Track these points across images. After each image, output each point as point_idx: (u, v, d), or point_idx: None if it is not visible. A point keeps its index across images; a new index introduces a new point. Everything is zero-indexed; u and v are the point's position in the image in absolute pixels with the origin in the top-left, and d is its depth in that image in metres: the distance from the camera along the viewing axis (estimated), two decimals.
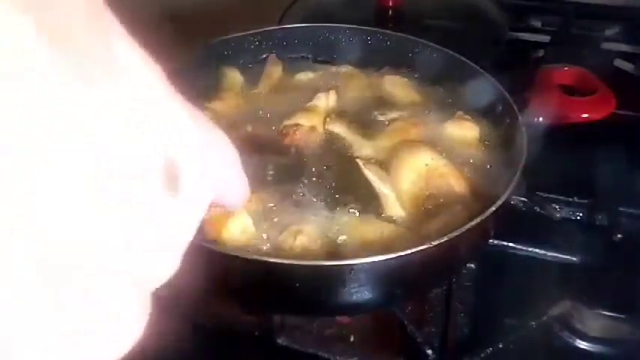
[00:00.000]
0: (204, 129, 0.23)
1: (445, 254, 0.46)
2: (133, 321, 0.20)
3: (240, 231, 0.50)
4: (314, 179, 0.57)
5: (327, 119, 0.64)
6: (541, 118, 0.66)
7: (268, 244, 0.50)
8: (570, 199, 0.68)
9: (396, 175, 0.56)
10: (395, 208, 0.54)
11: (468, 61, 0.67)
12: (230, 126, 0.63)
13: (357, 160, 0.57)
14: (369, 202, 0.55)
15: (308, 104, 0.65)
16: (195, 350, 0.56)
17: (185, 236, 0.22)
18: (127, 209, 0.18)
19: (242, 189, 0.27)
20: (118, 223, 0.18)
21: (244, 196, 0.27)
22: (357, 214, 0.53)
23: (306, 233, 0.50)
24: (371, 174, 0.56)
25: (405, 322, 0.55)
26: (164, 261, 0.21)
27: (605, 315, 0.56)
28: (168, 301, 0.59)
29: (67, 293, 0.17)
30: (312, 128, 0.62)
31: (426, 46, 0.71)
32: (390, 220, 0.54)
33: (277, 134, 0.62)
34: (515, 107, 0.59)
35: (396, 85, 0.71)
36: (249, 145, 0.61)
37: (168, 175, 0.20)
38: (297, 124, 0.62)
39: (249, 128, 0.62)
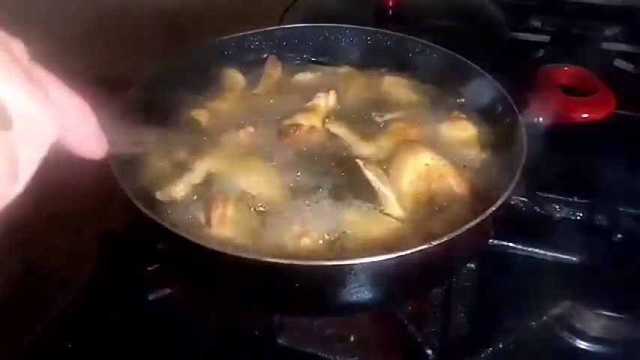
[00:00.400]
0: (57, 91, 0.30)
1: (445, 254, 0.46)
2: None
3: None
4: (314, 179, 0.57)
5: (327, 120, 0.64)
6: (541, 118, 0.66)
7: (270, 244, 0.50)
8: (570, 199, 0.68)
9: (396, 175, 0.56)
10: (394, 208, 0.54)
11: (468, 61, 0.67)
12: (231, 125, 0.63)
13: (357, 161, 0.57)
14: (369, 201, 0.55)
15: (308, 104, 0.65)
16: (195, 350, 0.56)
17: (22, 170, 0.27)
18: None
19: (95, 142, 0.33)
20: None
21: (98, 149, 0.34)
22: (357, 213, 0.53)
23: (309, 234, 0.50)
24: (370, 174, 0.56)
25: (405, 322, 0.55)
26: None
27: (605, 315, 0.55)
28: (168, 302, 0.59)
29: None
30: (312, 128, 0.62)
31: (426, 46, 0.71)
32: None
33: (277, 134, 0.62)
34: (515, 107, 0.59)
35: (396, 86, 0.71)
36: (250, 145, 0.61)
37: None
38: (297, 124, 0.62)
39: (250, 128, 0.62)
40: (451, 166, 0.57)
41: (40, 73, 0.30)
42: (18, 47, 0.29)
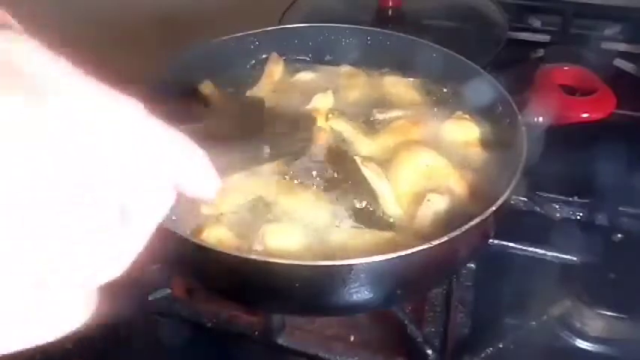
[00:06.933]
0: (165, 136, 0.26)
1: (445, 254, 0.46)
2: (75, 312, 0.25)
3: (217, 241, 0.50)
4: (316, 180, 0.57)
5: (330, 115, 0.64)
6: (541, 118, 0.66)
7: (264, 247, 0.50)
8: (570, 199, 0.68)
9: (396, 175, 0.56)
10: (393, 207, 0.54)
11: (468, 61, 0.67)
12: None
13: (355, 158, 0.57)
14: (369, 203, 0.55)
15: (308, 106, 0.65)
16: (195, 350, 0.56)
17: (133, 249, 0.26)
18: (83, 234, 0.23)
19: (210, 183, 0.29)
20: (72, 241, 0.23)
21: (213, 189, 0.30)
22: (356, 220, 0.53)
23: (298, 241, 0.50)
24: (368, 171, 0.56)
25: (405, 322, 0.55)
26: (110, 269, 0.25)
27: (605, 315, 0.55)
28: (168, 302, 0.59)
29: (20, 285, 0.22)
30: (319, 129, 0.62)
31: (426, 46, 0.71)
32: (388, 219, 0.54)
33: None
34: (515, 107, 0.59)
35: (396, 86, 0.71)
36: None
37: (122, 210, 0.24)
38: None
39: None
40: (451, 166, 0.57)
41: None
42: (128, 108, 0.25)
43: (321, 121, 0.63)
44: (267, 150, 0.50)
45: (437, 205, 0.53)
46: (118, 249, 0.25)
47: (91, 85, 0.24)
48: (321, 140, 0.61)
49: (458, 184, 0.55)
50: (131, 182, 0.25)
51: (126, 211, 0.25)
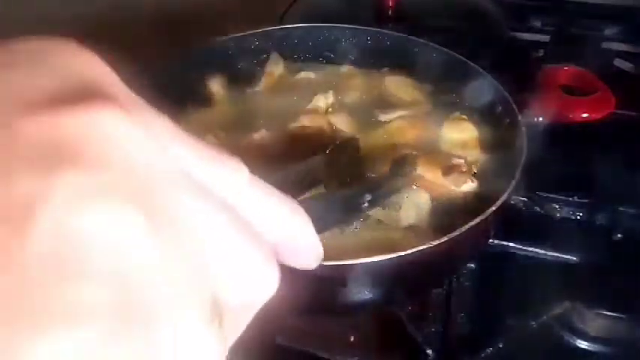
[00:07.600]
0: (272, 200, 0.22)
1: (445, 254, 0.46)
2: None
3: None
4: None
5: (329, 110, 0.64)
6: (541, 118, 0.66)
7: None
8: (570, 199, 0.68)
9: None
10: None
11: (468, 61, 0.67)
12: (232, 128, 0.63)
13: None
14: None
15: (309, 106, 0.65)
16: None
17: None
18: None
19: (314, 251, 0.25)
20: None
21: (317, 259, 0.26)
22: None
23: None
24: None
25: (405, 322, 0.55)
26: None
27: (605, 315, 0.55)
28: None
29: None
30: (319, 129, 0.62)
31: (426, 46, 0.71)
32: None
33: (287, 137, 0.62)
34: (515, 107, 0.59)
35: (396, 86, 0.71)
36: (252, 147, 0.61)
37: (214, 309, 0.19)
38: (304, 127, 0.62)
39: (263, 131, 0.62)
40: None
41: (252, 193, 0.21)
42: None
43: (321, 121, 0.63)
44: (367, 197, 0.39)
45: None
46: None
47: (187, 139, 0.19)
48: (323, 140, 0.62)
49: (457, 185, 0.55)
50: (233, 263, 0.20)
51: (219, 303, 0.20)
